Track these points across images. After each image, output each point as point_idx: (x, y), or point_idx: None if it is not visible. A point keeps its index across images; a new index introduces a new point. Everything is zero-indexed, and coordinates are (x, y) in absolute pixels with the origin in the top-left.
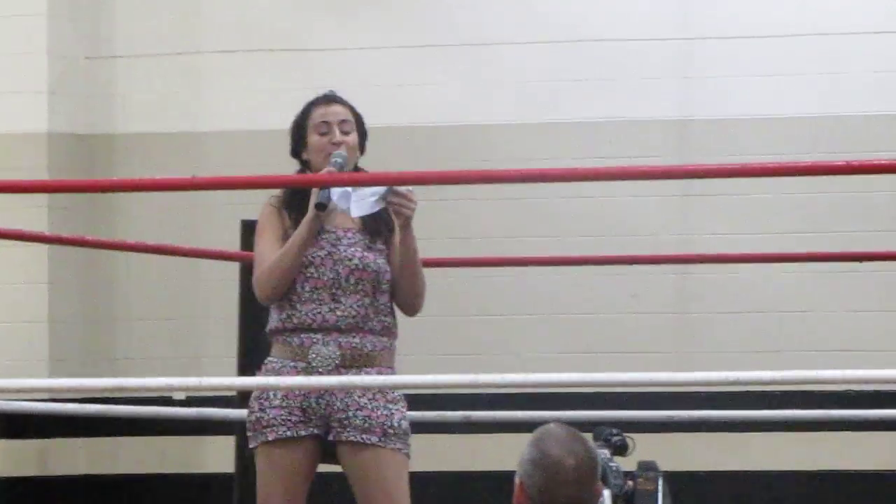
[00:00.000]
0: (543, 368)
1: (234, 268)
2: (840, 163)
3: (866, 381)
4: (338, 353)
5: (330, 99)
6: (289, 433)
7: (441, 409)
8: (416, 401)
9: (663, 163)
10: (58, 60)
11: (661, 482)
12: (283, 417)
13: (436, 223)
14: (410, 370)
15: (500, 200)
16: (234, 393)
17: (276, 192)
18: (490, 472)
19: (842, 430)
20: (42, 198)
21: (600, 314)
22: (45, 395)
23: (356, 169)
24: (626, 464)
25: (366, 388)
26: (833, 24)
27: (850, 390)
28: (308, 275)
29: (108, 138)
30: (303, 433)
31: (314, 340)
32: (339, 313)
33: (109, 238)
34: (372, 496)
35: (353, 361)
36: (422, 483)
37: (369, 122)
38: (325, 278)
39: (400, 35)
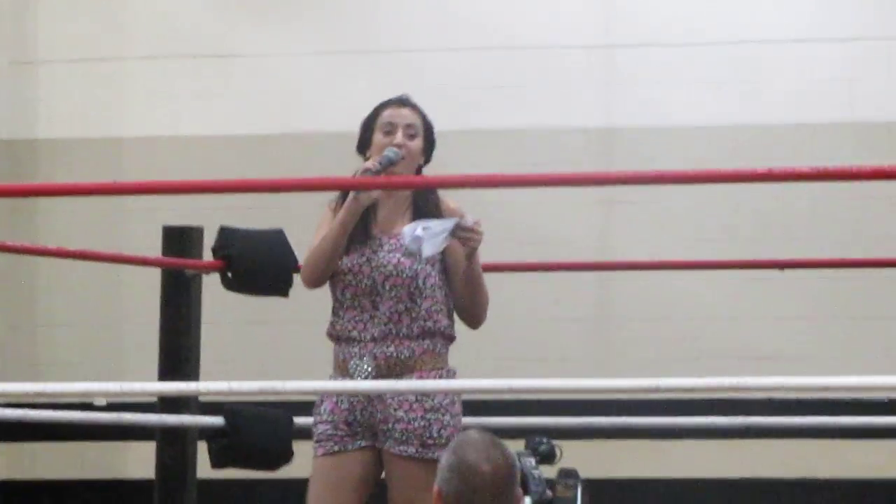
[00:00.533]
0: (464, 375)
1: (155, 274)
2: (762, 171)
3: (788, 389)
4: (373, 363)
5: (402, 102)
6: (336, 448)
7: None
8: None
9: (585, 170)
10: None
11: (579, 489)
12: (329, 433)
13: None
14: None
15: None
16: (154, 399)
17: (334, 195)
18: None
19: (764, 437)
20: None
21: (521, 321)
22: None
23: (419, 173)
24: (554, 472)
25: (402, 398)
26: (754, 32)
27: (771, 398)
28: (347, 282)
29: (30, 144)
30: (350, 447)
31: (351, 354)
32: (375, 321)
33: (31, 244)
34: (408, 498)
35: (388, 371)
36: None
37: (291, 127)
38: (363, 285)
39: (322, 41)
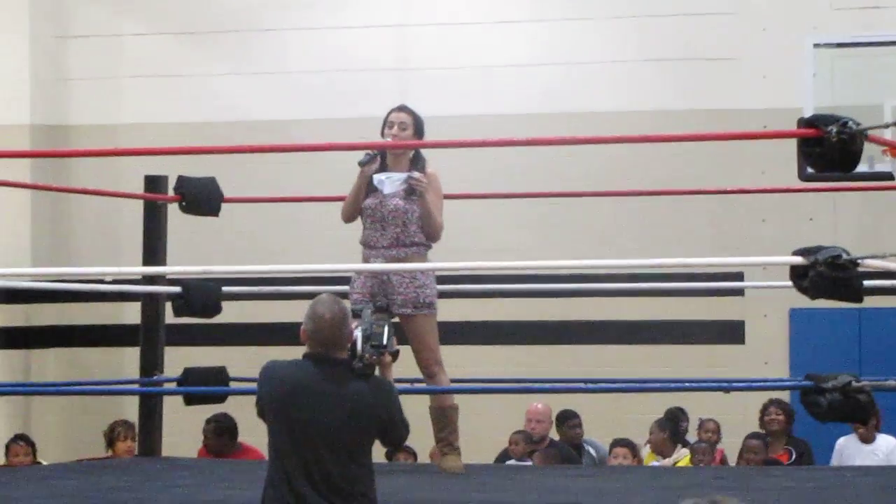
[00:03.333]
0: None
1: (140, 204)
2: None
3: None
4: (384, 261)
5: (400, 108)
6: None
7: None
8: None
9: None
10: None
11: (387, 326)
12: (359, 299)
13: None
14: None
15: None
16: (140, 276)
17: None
18: None
19: None
20: None
21: None
22: None
23: (416, 156)
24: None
25: (401, 279)
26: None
27: None
28: (368, 214)
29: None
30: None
31: (371, 255)
32: (386, 236)
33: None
34: (415, 345)
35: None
36: None
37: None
38: (377, 216)
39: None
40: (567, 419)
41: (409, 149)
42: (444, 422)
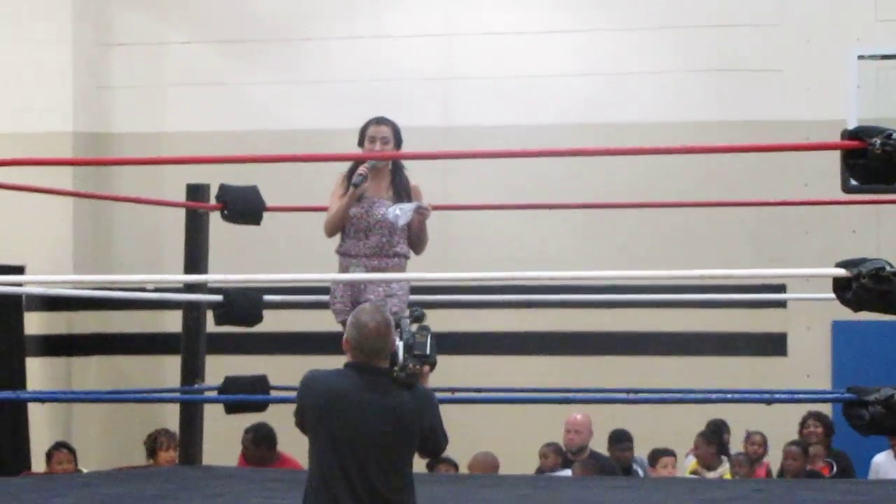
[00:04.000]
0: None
1: (182, 213)
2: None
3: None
4: (364, 270)
5: (379, 121)
6: (345, 318)
7: None
8: None
9: None
10: None
11: (430, 337)
12: (341, 308)
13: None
14: None
15: None
16: (181, 284)
17: (347, 165)
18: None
19: None
20: None
21: None
22: None
23: (396, 168)
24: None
25: (377, 289)
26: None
27: None
28: (352, 223)
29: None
30: None
31: (351, 264)
32: (367, 245)
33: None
34: None
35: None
36: None
37: None
38: (362, 224)
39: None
40: (619, 441)
41: (388, 160)
42: None
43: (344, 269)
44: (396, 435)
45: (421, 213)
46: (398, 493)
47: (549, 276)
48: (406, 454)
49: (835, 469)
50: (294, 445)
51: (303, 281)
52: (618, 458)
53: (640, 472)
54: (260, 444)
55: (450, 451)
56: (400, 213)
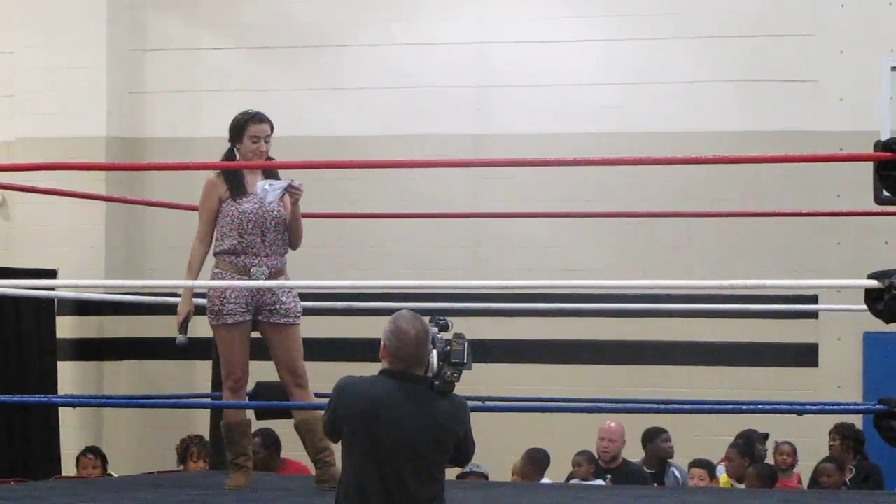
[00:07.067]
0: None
1: None
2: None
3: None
4: (267, 270)
5: (261, 118)
6: (240, 319)
7: None
8: None
9: None
10: None
11: (466, 345)
12: (236, 310)
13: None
14: None
15: None
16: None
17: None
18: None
19: None
20: None
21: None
22: None
23: (268, 158)
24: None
25: (284, 290)
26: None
27: None
28: (248, 219)
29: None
30: (248, 318)
31: (251, 263)
32: (267, 243)
33: (143, 199)
34: (292, 355)
35: (274, 273)
36: None
37: None
38: (259, 221)
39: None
40: (657, 435)
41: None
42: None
43: (241, 268)
44: (434, 443)
45: (292, 192)
46: (433, 500)
47: (580, 284)
48: (441, 462)
49: (853, 473)
50: (301, 451)
51: (332, 288)
52: (658, 452)
53: (676, 474)
54: (268, 447)
55: (482, 460)
56: (269, 188)
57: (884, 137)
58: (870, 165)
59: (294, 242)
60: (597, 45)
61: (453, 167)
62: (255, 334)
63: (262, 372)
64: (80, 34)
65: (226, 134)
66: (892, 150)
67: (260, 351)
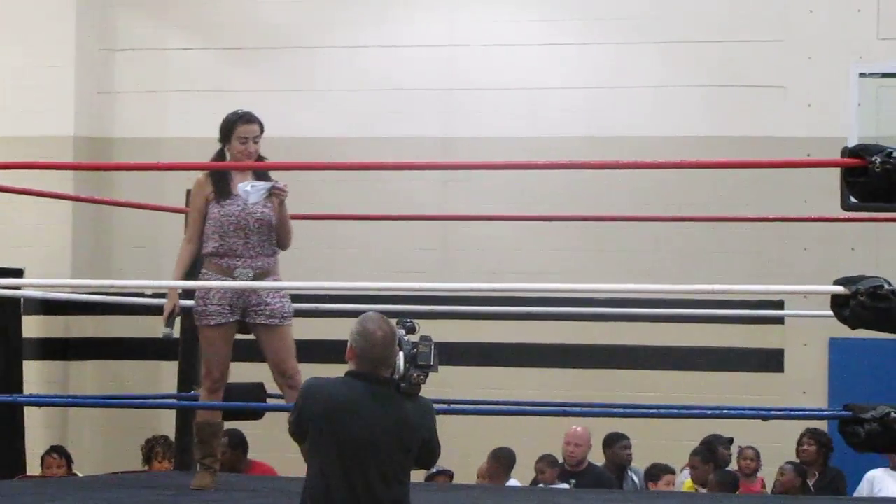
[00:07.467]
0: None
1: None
2: None
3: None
4: (251, 272)
5: (250, 119)
6: (222, 320)
7: None
8: None
9: None
10: None
11: (432, 347)
12: (219, 311)
13: None
14: None
15: None
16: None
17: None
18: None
19: None
20: None
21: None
22: None
23: (259, 158)
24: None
25: (270, 291)
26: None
27: None
28: (230, 221)
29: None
30: (231, 319)
31: (235, 265)
32: (250, 245)
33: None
34: (281, 355)
35: (259, 275)
36: None
37: None
38: (241, 223)
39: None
40: (616, 441)
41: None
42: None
43: (225, 270)
44: (400, 444)
45: (277, 193)
46: (399, 502)
47: (548, 288)
48: (407, 464)
49: (816, 477)
50: (268, 452)
51: (300, 290)
52: (617, 459)
53: (635, 479)
54: (236, 448)
55: (447, 463)
56: (251, 189)
57: (851, 144)
58: (837, 172)
59: (282, 243)
60: (565, 49)
61: (421, 169)
62: (251, 336)
63: (250, 373)
64: (48, 34)
65: (194, 134)
66: (860, 156)
67: (242, 352)
